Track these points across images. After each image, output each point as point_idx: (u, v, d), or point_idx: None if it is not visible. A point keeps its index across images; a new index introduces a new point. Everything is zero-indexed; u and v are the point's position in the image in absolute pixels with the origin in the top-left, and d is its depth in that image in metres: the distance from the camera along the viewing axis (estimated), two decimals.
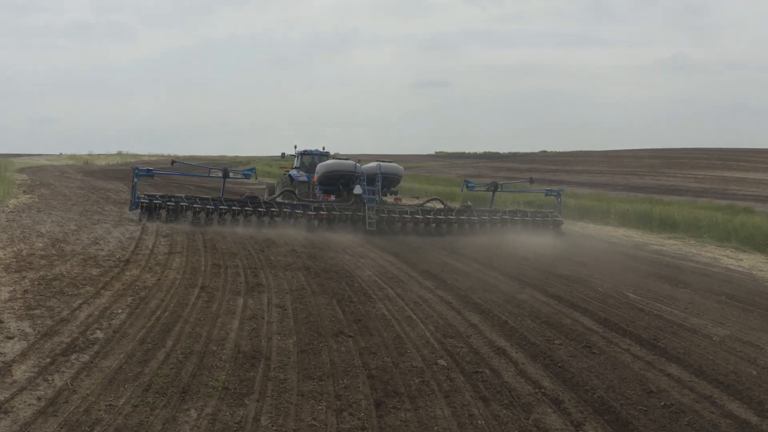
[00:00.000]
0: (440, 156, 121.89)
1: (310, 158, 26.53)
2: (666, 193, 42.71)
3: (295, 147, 27.34)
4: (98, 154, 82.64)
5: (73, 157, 78.77)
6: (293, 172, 26.35)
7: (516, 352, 8.81)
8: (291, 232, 19.36)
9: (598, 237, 23.87)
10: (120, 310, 9.28)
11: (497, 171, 68.21)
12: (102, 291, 10.30)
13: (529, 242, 20.76)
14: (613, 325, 10.59)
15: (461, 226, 21.69)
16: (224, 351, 7.91)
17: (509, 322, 10.34)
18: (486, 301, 11.68)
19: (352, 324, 9.54)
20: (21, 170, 49.91)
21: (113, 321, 8.76)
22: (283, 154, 28.02)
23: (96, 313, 9.06)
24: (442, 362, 8.12)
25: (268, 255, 14.97)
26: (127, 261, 12.87)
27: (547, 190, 26.30)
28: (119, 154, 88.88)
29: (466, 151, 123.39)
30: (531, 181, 27.32)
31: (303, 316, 9.78)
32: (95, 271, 11.66)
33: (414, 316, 10.28)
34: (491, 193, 25.43)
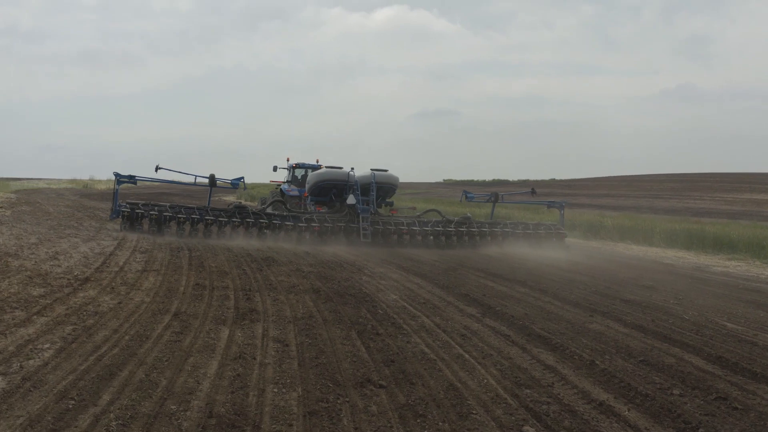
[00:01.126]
0: (449, 183, 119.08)
1: (302, 172, 25.08)
2: (698, 215, 39.73)
3: (287, 160, 26.08)
4: (100, 179, 79.99)
5: (73, 181, 76.33)
6: (284, 186, 25.00)
7: (628, 410, 5.90)
8: (296, 249, 16.69)
9: (646, 258, 20.97)
10: (48, 345, 6.41)
11: (513, 196, 65.16)
12: (35, 317, 7.45)
13: (560, 259, 18.33)
14: (732, 366, 7.72)
15: (460, 238, 20.63)
16: (188, 413, 5.02)
17: (596, 362, 7.43)
18: (552, 333, 8.81)
19: (382, 367, 6.63)
20: (15, 191, 47.36)
21: (31, 361, 5.90)
22: (276, 167, 26.42)
23: (11, 348, 6.21)
24: (529, 431, 5.19)
25: (267, 275, 12.11)
26: (86, 279, 10.03)
27: (548, 201, 24.66)
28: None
29: (475, 179, 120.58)
30: (533, 192, 25.13)
31: (312, 355, 6.88)
32: (38, 292, 8.82)
33: (466, 355, 7.39)
34: (492, 204, 24.31)
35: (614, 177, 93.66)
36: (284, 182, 25.76)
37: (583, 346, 8.26)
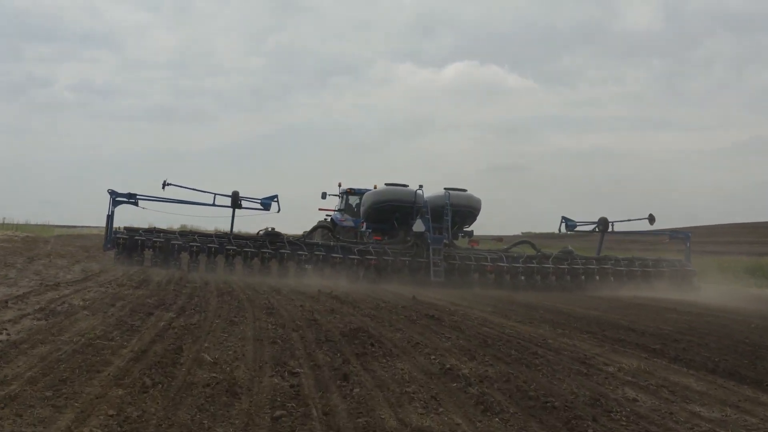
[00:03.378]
0: (528, 236, 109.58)
1: (357, 199, 20.02)
2: None
3: (339, 185, 20.97)
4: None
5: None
6: (336, 215, 20.09)
7: None
8: (393, 290, 9.99)
9: None
10: None
11: (620, 243, 55.52)
12: None
13: None
14: None
15: (561, 277, 17.03)
16: None
17: None
18: None
19: None
20: (57, 236, 41.65)
21: None
22: (325, 194, 21.18)
23: None
24: None
25: (367, 393, 3.94)
26: None
27: (671, 232, 20.37)
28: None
29: (555, 231, 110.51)
30: (651, 219, 19.34)
31: None
32: None
33: None
34: (600, 234, 20.06)
35: (728, 224, 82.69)
36: (335, 210, 20.71)
37: None
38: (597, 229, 19.46)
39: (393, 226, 17.21)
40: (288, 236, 15.82)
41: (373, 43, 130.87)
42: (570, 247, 18.63)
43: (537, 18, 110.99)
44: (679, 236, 19.64)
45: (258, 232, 16.06)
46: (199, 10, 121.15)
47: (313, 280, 13.89)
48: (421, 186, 16.41)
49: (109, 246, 14.92)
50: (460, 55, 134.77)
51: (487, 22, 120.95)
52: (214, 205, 15.45)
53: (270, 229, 15.65)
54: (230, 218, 15.46)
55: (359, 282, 14.62)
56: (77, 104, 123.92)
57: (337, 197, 20.88)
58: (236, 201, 15.19)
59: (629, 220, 20.64)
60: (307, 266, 15.09)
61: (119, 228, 15.04)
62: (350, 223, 19.23)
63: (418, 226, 16.02)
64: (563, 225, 19.81)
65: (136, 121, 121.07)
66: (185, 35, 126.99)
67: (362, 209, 17.72)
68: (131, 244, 14.49)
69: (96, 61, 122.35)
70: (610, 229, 19.58)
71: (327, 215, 20.90)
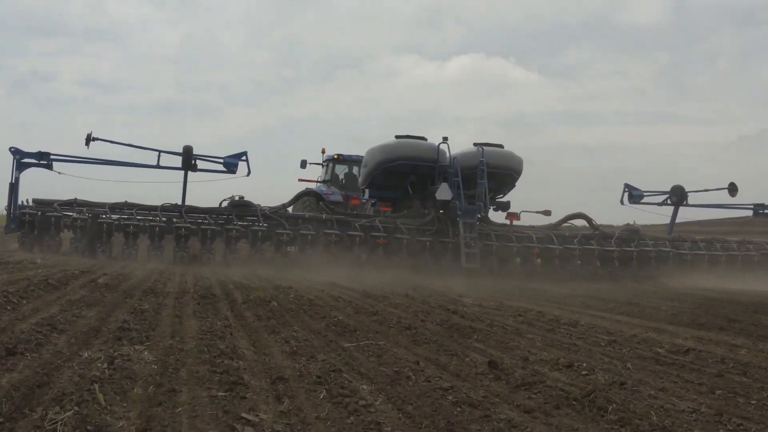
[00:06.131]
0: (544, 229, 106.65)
1: (346, 168, 17.87)
2: None
3: (323, 151, 18.40)
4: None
5: None
6: (321, 187, 17.57)
7: None
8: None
9: None
10: None
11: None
12: None
13: None
14: None
15: (626, 263, 14.38)
16: None
17: None
18: None
19: None
20: None
21: None
22: (305, 162, 18.53)
23: None
24: None
25: None
26: None
27: (756, 205, 18.20)
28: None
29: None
30: (733, 189, 17.03)
31: None
32: None
33: None
34: (672, 207, 17.58)
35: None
36: (318, 182, 18.39)
37: None
38: (670, 201, 16.77)
39: (406, 194, 14.15)
40: (262, 207, 13.01)
41: (378, 36, 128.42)
42: (636, 223, 16.79)
43: (543, 11, 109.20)
44: (766, 211, 17.41)
45: (221, 203, 13.15)
46: (203, 3, 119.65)
47: (300, 270, 11.34)
48: (445, 138, 13.10)
49: (12, 227, 11.90)
50: (465, 48, 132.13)
51: (493, 15, 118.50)
52: (158, 166, 12.45)
53: (238, 198, 12.81)
54: (181, 185, 12.53)
55: (362, 268, 12.03)
56: (82, 99, 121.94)
57: (321, 166, 18.36)
58: (189, 160, 12.22)
59: (706, 191, 17.81)
60: (289, 248, 12.64)
61: (25, 201, 12.07)
62: (338, 198, 16.89)
63: (443, 192, 13.05)
64: (626, 195, 17.24)
65: (141, 116, 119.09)
66: (189, 29, 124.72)
67: (364, 171, 14.67)
68: (43, 222, 11.59)
69: (100, 55, 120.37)
70: (685, 203, 17.37)
71: (308, 188, 18.04)
